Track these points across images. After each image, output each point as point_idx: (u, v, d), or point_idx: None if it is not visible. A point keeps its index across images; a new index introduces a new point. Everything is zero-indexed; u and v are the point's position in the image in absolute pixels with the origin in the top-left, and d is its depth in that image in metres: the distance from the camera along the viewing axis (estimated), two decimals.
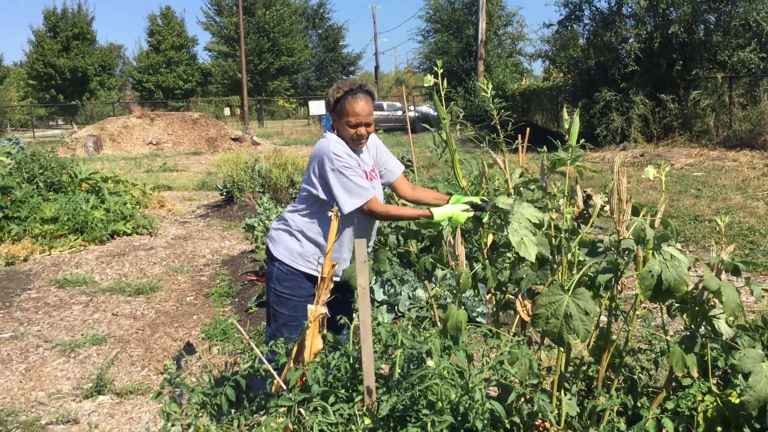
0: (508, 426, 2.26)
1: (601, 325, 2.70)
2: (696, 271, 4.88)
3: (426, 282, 2.88)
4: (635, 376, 2.79)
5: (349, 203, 2.93)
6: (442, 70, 2.98)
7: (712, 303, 2.32)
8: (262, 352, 2.41)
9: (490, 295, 2.92)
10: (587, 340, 2.78)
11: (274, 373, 2.36)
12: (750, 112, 16.22)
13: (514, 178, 2.78)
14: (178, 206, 11.66)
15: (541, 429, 2.47)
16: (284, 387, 2.32)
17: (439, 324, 2.67)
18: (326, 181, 2.98)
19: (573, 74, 22.02)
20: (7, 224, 8.39)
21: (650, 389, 2.76)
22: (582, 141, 2.56)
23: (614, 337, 2.55)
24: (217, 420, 2.31)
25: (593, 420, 2.48)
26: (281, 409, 2.17)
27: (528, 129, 3.64)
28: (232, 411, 2.33)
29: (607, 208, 2.42)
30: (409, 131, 3.93)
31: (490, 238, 2.79)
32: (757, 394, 2.12)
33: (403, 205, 3.25)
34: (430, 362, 2.02)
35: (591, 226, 2.45)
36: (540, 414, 2.27)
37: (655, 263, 2.16)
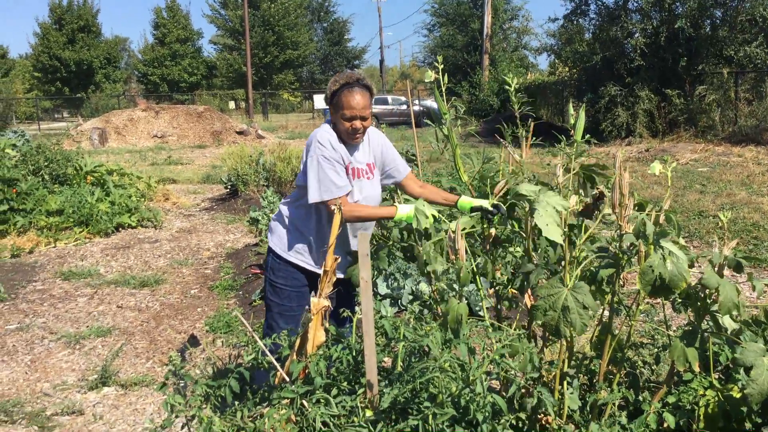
0: (510, 419, 2.28)
1: (603, 319, 2.71)
2: (700, 266, 4.88)
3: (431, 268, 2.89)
4: (637, 371, 2.80)
5: (315, 194, 2.94)
6: (447, 64, 2.98)
7: (715, 298, 2.32)
8: (265, 345, 2.43)
9: (492, 289, 2.94)
10: (590, 335, 2.80)
11: (277, 365, 2.38)
12: (756, 107, 16.16)
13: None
14: (183, 199, 11.69)
15: (543, 422, 2.48)
16: (287, 379, 2.34)
17: (440, 318, 2.69)
18: (305, 166, 3.01)
19: (578, 69, 21.94)
20: (13, 216, 8.42)
21: (652, 384, 2.77)
22: (587, 136, 2.56)
23: (616, 331, 2.56)
24: (221, 411, 2.33)
25: (595, 414, 2.49)
26: (284, 401, 2.18)
27: (532, 123, 3.64)
28: (236, 403, 2.35)
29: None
30: (413, 125, 3.94)
31: (493, 232, 2.80)
32: (759, 388, 2.13)
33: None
34: (432, 355, 2.04)
35: (600, 222, 2.46)
36: (542, 407, 2.28)
37: (655, 258, 2.16)
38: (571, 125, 2.52)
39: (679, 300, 2.45)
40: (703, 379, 2.46)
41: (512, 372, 2.22)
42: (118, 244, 8.24)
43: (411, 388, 2.07)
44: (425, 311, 2.90)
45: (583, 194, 2.64)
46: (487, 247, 2.79)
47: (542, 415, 2.46)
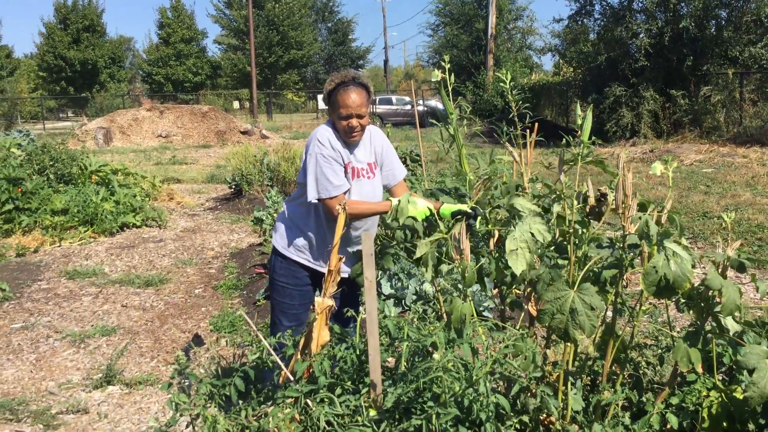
0: (513, 420, 2.28)
1: (606, 320, 2.71)
2: (703, 267, 4.87)
3: (427, 277, 2.89)
4: (640, 372, 2.80)
5: (313, 192, 2.98)
6: (451, 65, 2.99)
7: (718, 300, 2.32)
8: (269, 344, 2.44)
9: (496, 289, 2.94)
10: (593, 336, 2.80)
11: (282, 364, 2.39)
12: (761, 108, 16.14)
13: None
14: (187, 199, 11.72)
15: (546, 423, 2.49)
16: (291, 378, 2.35)
17: (445, 317, 2.69)
18: (305, 164, 3.04)
19: (583, 69, 21.93)
20: (18, 215, 8.46)
21: (655, 385, 2.77)
22: (594, 138, 2.57)
23: (620, 332, 2.56)
24: (225, 410, 2.34)
25: (598, 414, 2.49)
26: (288, 400, 2.19)
27: (537, 124, 3.64)
28: (240, 402, 2.36)
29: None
30: (418, 125, 3.95)
31: (497, 233, 2.80)
32: (761, 390, 2.13)
33: None
34: (435, 355, 2.04)
35: (603, 223, 2.46)
36: (545, 408, 2.28)
37: (659, 259, 2.17)
38: (578, 126, 2.52)
39: (683, 301, 2.45)
40: (706, 380, 2.46)
41: (515, 372, 2.23)
42: (122, 244, 8.26)
43: (414, 388, 2.08)
44: (429, 311, 2.91)
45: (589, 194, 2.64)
46: (492, 248, 2.80)
47: (545, 415, 2.47)
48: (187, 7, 55.68)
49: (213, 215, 10.33)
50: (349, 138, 3.04)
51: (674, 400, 2.46)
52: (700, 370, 2.37)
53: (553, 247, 2.59)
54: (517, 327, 2.54)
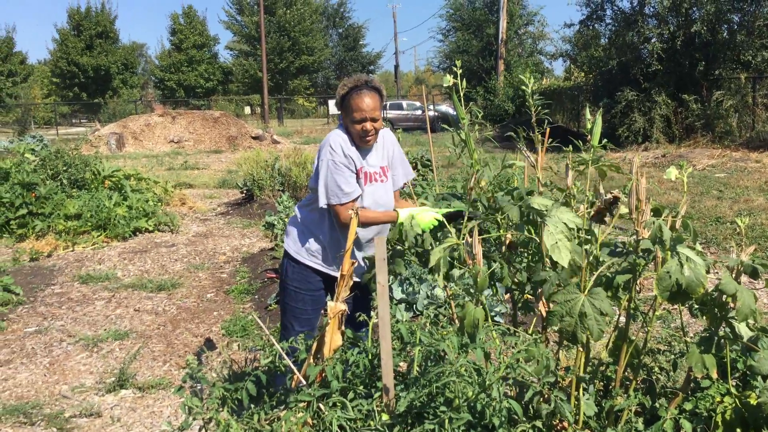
0: (526, 426, 2.28)
1: (619, 325, 2.70)
2: (717, 272, 4.85)
3: (438, 283, 2.89)
4: (653, 377, 2.79)
5: (323, 198, 3.01)
6: (462, 70, 2.99)
7: (731, 305, 2.31)
8: (282, 348, 2.45)
9: (508, 294, 2.94)
10: (607, 341, 2.79)
11: (294, 368, 2.39)
12: None
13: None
14: (199, 204, 11.77)
15: (558, 428, 2.48)
16: (304, 382, 2.35)
17: (457, 322, 2.69)
18: (317, 169, 3.06)
19: (594, 74, 21.89)
20: (32, 220, 8.53)
21: (668, 390, 2.75)
22: (604, 141, 2.56)
23: (633, 337, 2.56)
24: (238, 415, 2.35)
25: (611, 420, 2.48)
26: (301, 404, 2.20)
27: (548, 129, 3.64)
28: (252, 406, 2.37)
29: (623, 208, 2.43)
30: (429, 130, 3.95)
31: (508, 237, 2.80)
32: None
33: None
34: (448, 359, 2.04)
35: (612, 227, 2.45)
36: (558, 413, 2.28)
37: (673, 264, 2.16)
38: (588, 130, 2.52)
39: (696, 306, 2.44)
40: (720, 386, 2.45)
41: (528, 377, 2.23)
42: (135, 248, 8.31)
43: (427, 393, 2.08)
44: (441, 315, 2.91)
45: (595, 197, 2.63)
46: (503, 252, 2.79)
47: (558, 421, 2.46)
48: (199, 13, 56.03)
49: (225, 220, 10.37)
50: (363, 142, 3.05)
51: (688, 406, 2.45)
52: (714, 375, 2.36)
53: None
54: (530, 332, 2.53)
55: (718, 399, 2.42)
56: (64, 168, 9.83)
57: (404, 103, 36.47)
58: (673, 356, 2.91)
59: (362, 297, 3.18)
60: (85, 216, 8.64)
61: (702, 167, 13.49)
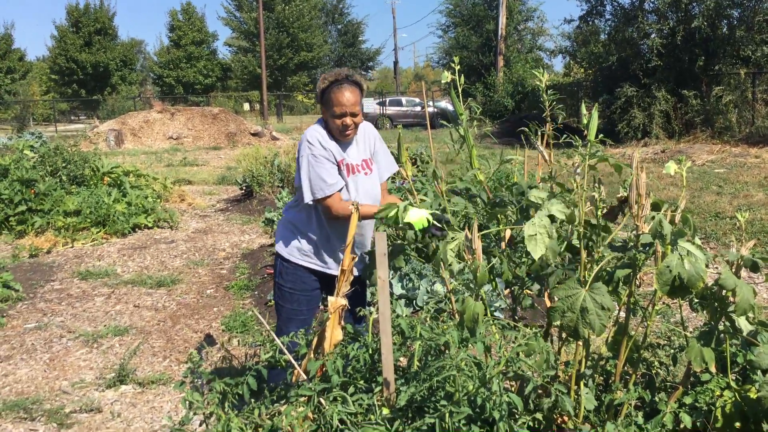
0: (527, 421, 2.28)
1: (619, 320, 2.71)
2: (716, 267, 4.84)
3: (444, 276, 2.90)
4: (653, 372, 2.79)
5: (308, 194, 2.98)
6: (461, 66, 2.99)
7: (731, 300, 2.32)
8: (282, 343, 2.45)
9: (507, 290, 2.94)
10: (606, 336, 2.80)
11: (295, 363, 2.40)
12: None
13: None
14: (199, 200, 11.77)
15: (558, 422, 2.48)
16: (305, 377, 2.36)
17: (457, 317, 2.69)
18: (298, 166, 3.04)
19: (594, 70, 21.88)
20: (31, 217, 8.53)
21: (668, 384, 2.76)
22: (601, 136, 2.56)
23: (632, 332, 2.56)
24: (238, 410, 2.35)
25: (611, 414, 2.49)
26: (301, 399, 2.20)
27: (548, 125, 3.64)
28: (253, 401, 2.37)
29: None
30: (429, 127, 3.94)
31: (508, 232, 2.80)
32: None
33: None
34: (449, 353, 2.05)
35: (622, 225, 2.46)
36: (558, 407, 2.28)
37: (673, 259, 2.16)
38: (584, 125, 2.52)
39: (696, 300, 2.44)
40: (720, 380, 2.46)
41: (528, 371, 2.23)
42: (134, 245, 8.31)
43: (428, 387, 2.08)
44: (441, 311, 2.91)
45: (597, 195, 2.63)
46: (503, 247, 2.80)
47: (558, 415, 2.47)
48: (198, 9, 56.05)
49: (224, 216, 10.37)
50: (342, 136, 3.03)
51: (687, 400, 2.45)
52: (713, 369, 2.36)
53: (564, 247, 2.58)
54: (530, 327, 2.54)
55: (718, 393, 2.42)
56: (63, 164, 9.83)
57: (403, 100, 36.44)
58: (672, 351, 2.92)
59: (360, 291, 3.18)
60: (85, 212, 8.64)
61: (701, 163, 13.49)
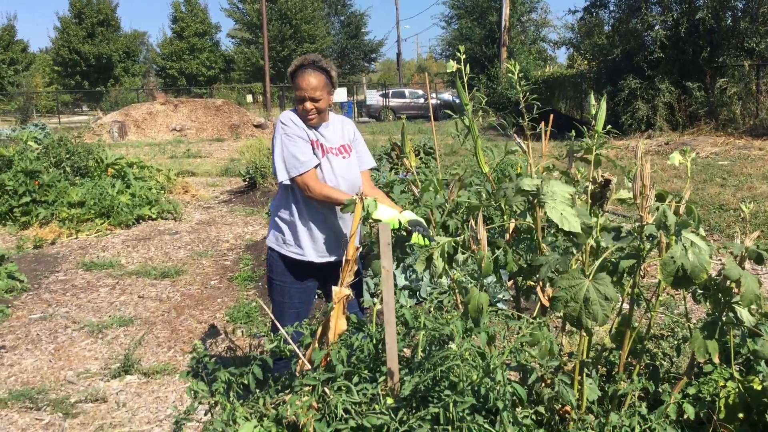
0: (528, 411, 2.29)
1: (623, 311, 2.71)
2: (720, 258, 4.85)
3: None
4: (657, 363, 2.80)
5: (283, 173, 3.03)
6: (464, 57, 2.98)
7: (735, 291, 2.32)
8: (287, 333, 2.46)
9: (511, 281, 2.94)
10: (609, 327, 2.80)
11: (299, 352, 2.41)
12: None
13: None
14: (202, 192, 11.78)
15: (561, 413, 2.49)
16: (309, 366, 2.37)
17: (460, 307, 2.70)
18: (272, 148, 3.08)
19: (597, 61, 21.77)
20: (35, 208, 8.55)
21: (672, 375, 2.76)
22: (609, 127, 2.56)
23: (636, 323, 2.56)
24: (243, 399, 2.36)
25: (614, 404, 2.50)
26: (306, 388, 2.21)
27: (551, 116, 3.63)
28: (257, 390, 2.38)
29: (625, 193, 2.44)
30: (432, 118, 3.94)
31: (512, 224, 2.81)
32: None
33: None
34: (452, 344, 2.05)
35: (608, 210, 2.45)
36: (560, 398, 2.29)
37: (677, 250, 2.16)
38: (593, 116, 2.51)
39: (700, 291, 2.45)
40: (723, 371, 2.46)
41: (532, 361, 2.24)
42: (138, 236, 8.33)
43: (432, 376, 2.09)
44: (445, 301, 2.91)
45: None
46: (507, 239, 2.80)
47: (560, 405, 2.47)
48: (201, 1, 55.76)
49: (227, 208, 10.38)
50: (306, 121, 3.09)
51: (691, 391, 2.46)
52: (716, 360, 2.37)
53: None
54: (533, 317, 2.54)
55: (722, 384, 2.43)
56: (67, 156, 9.84)
57: (407, 92, 36.38)
58: (676, 342, 2.92)
59: (357, 282, 3.18)
60: (89, 204, 8.65)
61: (705, 155, 13.46)
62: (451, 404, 1.98)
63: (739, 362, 2.61)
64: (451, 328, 2.16)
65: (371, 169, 3.43)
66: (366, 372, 2.30)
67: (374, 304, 2.62)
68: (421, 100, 33.53)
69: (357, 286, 3.23)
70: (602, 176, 2.48)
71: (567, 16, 45.21)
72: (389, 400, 2.12)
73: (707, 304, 2.45)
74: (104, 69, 48.44)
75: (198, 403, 2.38)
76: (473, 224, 2.41)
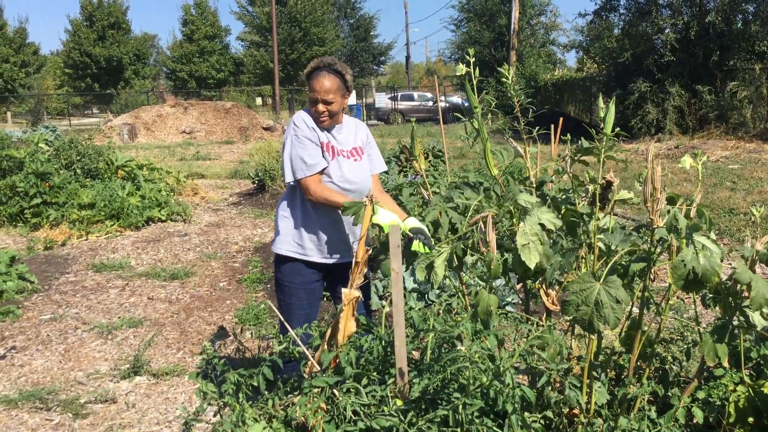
0: (536, 416, 2.28)
1: (632, 315, 2.70)
2: (730, 262, 4.83)
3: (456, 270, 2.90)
4: (666, 366, 2.79)
5: (289, 174, 3.07)
6: (474, 59, 2.98)
7: (746, 295, 2.31)
8: (296, 335, 2.47)
9: (520, 284, 2.94)
10: (619, 330, 2.79)
11: (309, 354, 2.41)
12: None
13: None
14: (211, 194, 11.82)
15: (570, 416, 2.49)
16: (318, 368, 2.37)
17: (469, 310, 2.70)
18: (283, 148, 3.12)
19: (607, 65, 21.73)
20: (46, 209, 8.60)
21: (681, 379, 2.75)
22: (617, 130, 2.56)
23: (646, 327, 2.55)
24: (252, 400, 2.37)
25: (624, 408, 2.49)
26: (315, 390, 2.22)
27: (561, 119, 3.63)
28: (267, 392, 2.39)
29: (626, 194, 2.44)
30: (441, 121, 3.94)
31: (521, 227, 2.80)
32: None
33: None
34: (460, 346, 2.05)
35: (609, 212, 2.46)
36: (569, 401, 2.29)
37: (687, 253, 2.16)
38: (601, 118, 2.51)
39: (710, 295, 2.44)
40: (733, 375, 2.45)
41: (541, 364, 2.23)
42: (148, 238, 8.36)
43: (441, 379, 2.09)
44: (453, 304, 2.91)
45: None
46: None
47: (569, 409, 2.47)
48: (211, 4, 56.18)
49: (237, 210, 10.41)
50: (318, 123, 3.11)
51: (701, 395, 2.45)
52: (726, 364, 2.36)
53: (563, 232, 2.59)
54: (543, 320, 2.54)
55: (731, 388, 2.42)
56: (78, 158, 9.89)
57: (415, 94, 36.41)
58: (686, 346, 2.91)
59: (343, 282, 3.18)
60: (99, 205, 8.70)
61: (715, 159, 13.40)
62: (460, 406, 1.98)
63: (750, 366, 2.60)
64: (461, 330, 2.16)
65: (382, 173, 3.45)
66: (375, 374, 2.30)
67: (383, 307, 2.63)
68: (430, 103, 33.53)
69: (365, 289, 3.24)
70: (604, 178, 2.48)
71: (577, 19, 45.04)
72: (398, 402, 2.12)
73: (717, 308, 2.44)
74: (114, 71, 48.68)
75: (207, 404, 2.39)
76: (482, 226, 2.42)
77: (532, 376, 2.46)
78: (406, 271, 5.14)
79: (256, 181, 11.82)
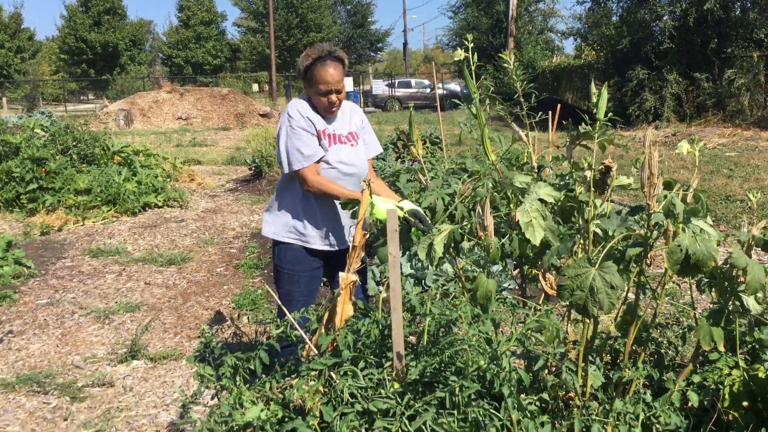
0: (533, 398, 2.30)
1: (628, 300, 2.71)
2: (726, 247, 4.84)
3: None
4: (662, 351, 2.80)
5: (285, 165, 3.02)
6: (471, 45, 2.97)
7: (741, 279, 2.32)
8: (294, 318, 2.47)
9: (516, 270, 2.95)
10: (615, 315, 2.81)
11: (306, 338, 2.42)
12: None
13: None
14: (208, 180, 11.80)
15: (566, 399, 2.50)
16: (315, 351, 2.38)
17: (466, 295, 2.71)
18: (277, 138, 3.07)
19: (605, 52, 21.68)
20: (42, 195, 8.58)
21: (677, 364, 2.77)
22: (610, 115, 2.55)
23: (642, 312, 2.57)
24: (250, 383, 2.38)
25: (619, 392, 2.50)
26: (312, 373, 2.22)
27: (558, 106, 3.63)
28: (264, 375, 2.39)
29: (624, 180, 2.44)
30: (438, 108, 3.93)
31: (518, 212, 2.80)
32: None
33: None
34: (456, 329, 2.06)
35: (607, 198, 2.46)
36: (564, 385, 2.30)
37: (684, 237, 2.16)
38: (594, 104, 2.51)
39: (706, 280, 2.45)
40: (728, 359, 2.47)
41: (538, 348, 2.24)
42: (145, 223, 8.35)
43: (438, 361, 2.10)
44: (451, 289, 2.92)
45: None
46: (513, 226, 2.80)
47: (565, 392, 2.48)
48: None
49: (233, 196, 10.41)
50: (328, 113, 3.07)
51: (696, 378, 2.47)
52: (722, 348, 2.37)
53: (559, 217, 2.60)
54: (540, 304, 2.55)
55: (726, 372, 2.43)
56: (74, 143, 9.86)
57: (413, 81, 36.32)
58: (681, 331, 2.93)
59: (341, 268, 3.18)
60: (95, 191, 8.68)
61: (713, 146, 13.41)
62: (457, 389, 1.99)
63: (745, 351, 2.61)
64: (459, 313, 2.17)
65: (377, 157, 3.43)
66: (372, 357, 2.31)
67: (380, 292, 2.63)
68: (428, 90, 33.46)
69: (362, 274, 3.24)
70: (602, 163, 2.48)
71: (575, 6, 44.85)
72: (395, 385, 2.13)
73: (712, 293, 2.45)
74: (110, 57, 48.45)
75: (205, 387, 2.40)
76: (480, 211, 2.42)
77: (528, 360, 2.47)
78: (402, 256, 5.15)
79: (253, 168, 11.80)
